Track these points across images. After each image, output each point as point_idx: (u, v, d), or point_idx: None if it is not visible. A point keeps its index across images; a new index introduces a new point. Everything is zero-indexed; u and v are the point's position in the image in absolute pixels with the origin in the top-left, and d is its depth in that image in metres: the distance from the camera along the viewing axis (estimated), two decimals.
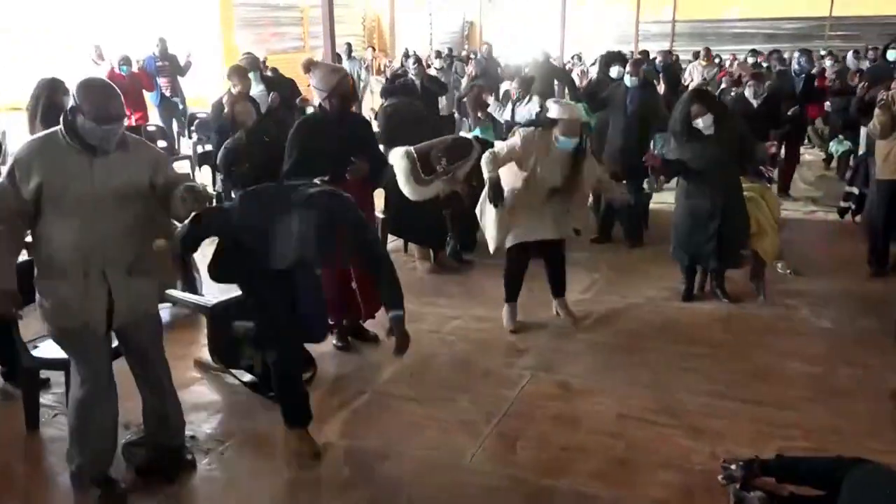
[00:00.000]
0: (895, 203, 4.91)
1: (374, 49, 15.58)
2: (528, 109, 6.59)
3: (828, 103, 8.26)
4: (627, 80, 5.86)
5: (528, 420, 3.34)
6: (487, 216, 4.24)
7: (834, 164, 8.83)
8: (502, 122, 6.95)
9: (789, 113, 6.68)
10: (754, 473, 2.66)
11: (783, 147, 7.10)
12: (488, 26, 21.21)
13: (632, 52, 10.83)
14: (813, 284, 5.01)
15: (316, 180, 3.09)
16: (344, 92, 3.70)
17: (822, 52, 9.72)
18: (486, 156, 4.09)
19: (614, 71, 6.36)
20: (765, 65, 7.97)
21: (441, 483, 2.89)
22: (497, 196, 4.04)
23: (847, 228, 6.45)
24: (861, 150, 6.73)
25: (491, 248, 4.32)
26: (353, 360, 4.02)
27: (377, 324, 4.15)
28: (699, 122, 4.30)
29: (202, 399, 3.58)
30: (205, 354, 3.83)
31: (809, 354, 3.95)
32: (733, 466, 2.68)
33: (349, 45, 12.14)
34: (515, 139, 4.14)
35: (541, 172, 4.03)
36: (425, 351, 4.06)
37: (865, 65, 8.85)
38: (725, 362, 3.86)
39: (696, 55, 11.02)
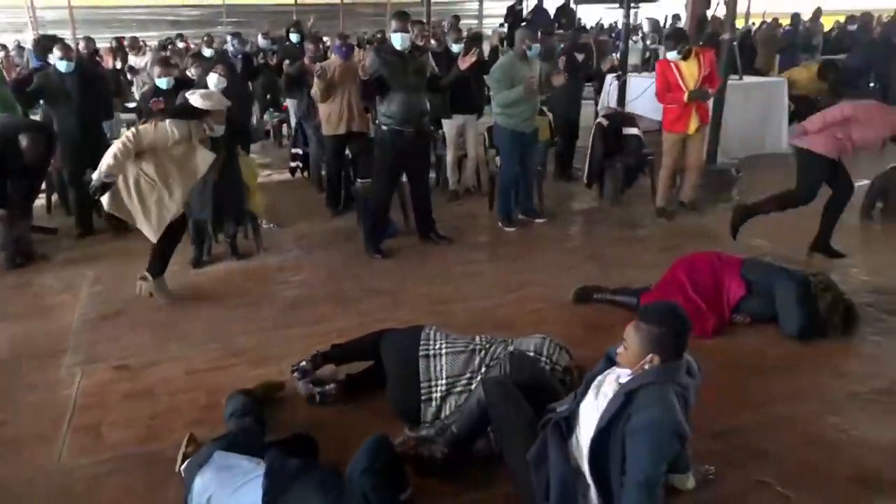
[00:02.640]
0: (342, 152, 6.13)
1: None
2: None
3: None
4: (62, 66, 5.66)
5: (102, 408, 3.28)
6: (142, 207, 4.12)
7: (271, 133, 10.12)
8: None
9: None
10: (319, 364, 3.32)
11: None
12: None
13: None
14: (293, 232, 5.92)
15: None
16: None
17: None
18: (125, 143, 3.94)
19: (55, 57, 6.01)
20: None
21: (39, 494, 2.69)
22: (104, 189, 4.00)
23: (300, 183, 7.65)
24: (294, 119, 7.94)
25: (155, 237, 4.24)
26: None
27: None
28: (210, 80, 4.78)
29: None
30: None
31: (322, 280, 4.82)
32: (303, 363, 3.29)
33: None
34: (169, 126, 4.04)
35: (184, 161, 4.15)
36: None
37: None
38: (258, 303, 4.41)
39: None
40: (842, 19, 13.63)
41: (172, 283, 4.61)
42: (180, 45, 11.65)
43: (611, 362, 2.41)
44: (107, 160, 3.94)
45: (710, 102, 6.03)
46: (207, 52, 8.13)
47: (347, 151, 6.15)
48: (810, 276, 3.93)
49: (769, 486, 2.68)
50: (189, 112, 4.17)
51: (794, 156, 4.99)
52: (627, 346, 2.27)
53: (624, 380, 2.27)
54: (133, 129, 4.11)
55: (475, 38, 8.20)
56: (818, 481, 2.70)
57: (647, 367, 2.22)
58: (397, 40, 4.86)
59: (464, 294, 4.53)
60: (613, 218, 6.15)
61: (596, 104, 9.88)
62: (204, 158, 4.25)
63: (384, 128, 5.04)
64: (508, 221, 5.88)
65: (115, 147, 3.98)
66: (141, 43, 11.96)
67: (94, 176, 3.99)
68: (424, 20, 11.57)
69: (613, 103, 8.15)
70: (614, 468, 2.19)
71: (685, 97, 5.60)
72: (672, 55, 5.67)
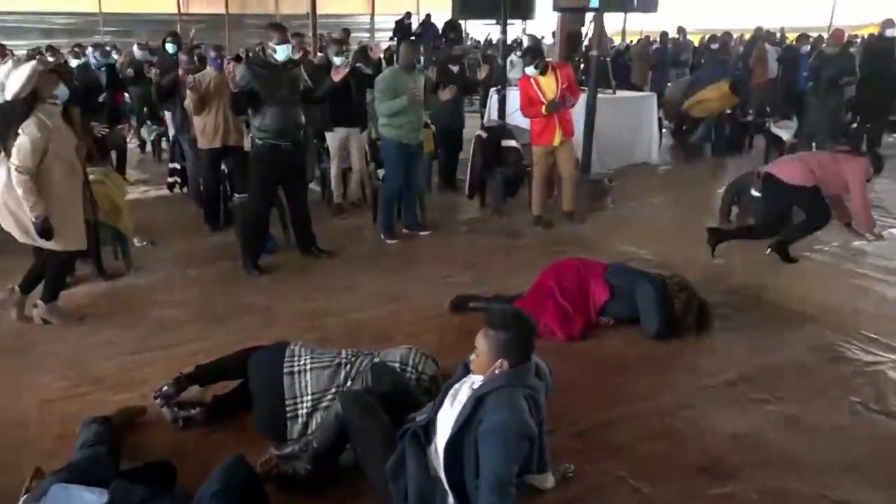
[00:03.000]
0: (218, 166, 5.97)
1: None
2: None
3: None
4: None
5: None
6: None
7: (149, 147, 9.74)
8: None
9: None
10: (183, 386, 3.21)
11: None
12: None
13: None
14: (169, 249, 5.71)
15: None
16: None
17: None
18: (22, 180, 3.76)
19: None
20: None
21: None
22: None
23: (178, 198, 7.38)
24: (171, 132, 7.66)
25: (81, 244, 4.19)
26: None
27: None
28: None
29: None
30: None
31: (194, 299, 4.66)
32: (166, 387, 3.17)
33: None
34: (26, 133, 3.76)
35: (61, 149, 3.91)
36: None
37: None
38: (123, 325, 4.21)
39: None
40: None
41: (30, 307, 4.34)
42: (50, 58, 10.94)
43: (468, 370, 2.46)
44: (24, 207, 3.84)
45: (576, 114, 6.31)
46: (74, 63, 7.75)
47: (224, 166, 6.00)
48: (667, 278, 4.17)
49: (624, 479, 2.81)
50: (24, 106, 3.81)
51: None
52: (479, 353, 2.33)
53: (476, 386, 2.33)
54: (12, 166, 3.79)
55: (361, 52, 8.21)
56: (668, 472, 2.86)
57: (497, 371, 2.29)
58: (282, 52, 4.79)
59: (342, 308, 4.50)
60: (494, 228, 6.31)
61: (482, 117, 10.12)
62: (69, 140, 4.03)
63: (259, 142, 4.95)
64: (391, 234, 5.90)
65: (19, 191, 3.80)
66: (8, 51, 11.18)
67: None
68: (311, 33, 11.53)
69: (496, 116, 8.37)
70: (469, 473, 2.24)
71: (543, 109, 5.86)
72: (530, 70, 5.93)
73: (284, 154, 4.98)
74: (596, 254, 5.17)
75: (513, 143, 6.78)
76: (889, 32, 9.42)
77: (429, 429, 2.40)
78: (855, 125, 9.48)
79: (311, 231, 5.47)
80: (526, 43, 11.94)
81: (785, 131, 8.80)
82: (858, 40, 13.63)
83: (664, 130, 10.65)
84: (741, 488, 2.76)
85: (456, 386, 2.44)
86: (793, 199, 5.25)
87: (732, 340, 4.02)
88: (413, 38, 14.29)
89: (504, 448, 2.17)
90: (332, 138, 6.66)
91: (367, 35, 21.88)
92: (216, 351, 3.73)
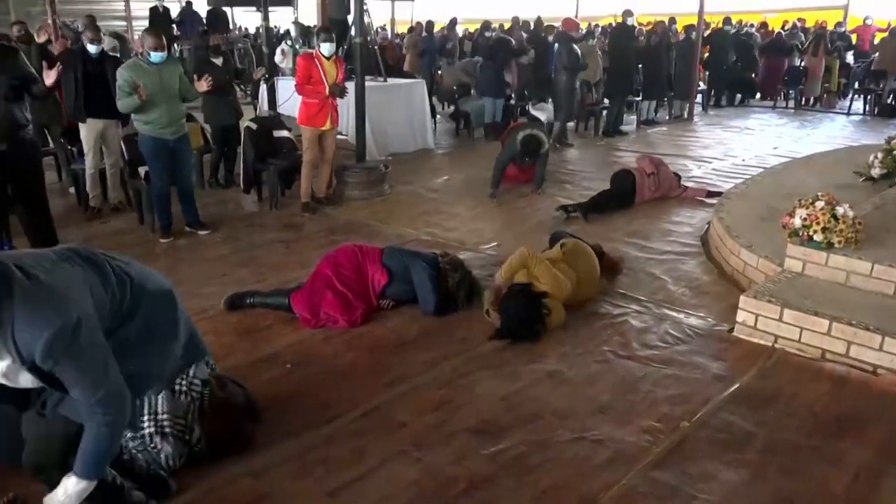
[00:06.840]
0: None
1: None
2: None
3: None
4: None
5: None
6: None
7: None
8: None
9: None
10: None
11: None
12: None
13: None
14: None
15: None
16: None
17: None
18: None
19: None
20: None
21: None
22: None
23: None
24: None
25: None
26: None
27: None
28: None
29: None
30: None
31: None
32: None
33: None
34: None
35: None
36: None
37: None
38: None
39: None
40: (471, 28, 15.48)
41: None
42: None
43: None
44: None
45: (348, 104, 6.42)
46: None
47: None
48: (440, 256, 4.36)
49: (407, 453, 2.90)
50: None
51: None
52: None
53: None
54: None
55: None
56: (446, 438, 3.00)
57: None
58: None
59: None
60: (271, 222, 6.16)
61: (255, 109, 9.82)
62: None
63: None
64: (166, 234, 5.56)
65: None
66: None
67: None
68: (49, 19, 10.38)
69: (267, 107, 8.16)
70: None
71: (327, 90, 5.98)
72: (326, 48, 6.03)
73: (5, 157, 4.47)
74: (375, 239, 5.27)
75: (285, 133, 6.65)
76: (630, 21, 10.56)
77: None
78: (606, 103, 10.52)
79: (56, 239, 4.92)
80: (293, 32, 11.77)
81: (542, 113, 9.53)
82: (598, 29, 15.18)
83: (438, 116, 11.10)
84: (511, 444, 2.97)
85: None
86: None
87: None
88: (175, 25, 13.48)
89: None
90: (87, 131, 6.05)
91: (123, 24, 20.10)
92: None
